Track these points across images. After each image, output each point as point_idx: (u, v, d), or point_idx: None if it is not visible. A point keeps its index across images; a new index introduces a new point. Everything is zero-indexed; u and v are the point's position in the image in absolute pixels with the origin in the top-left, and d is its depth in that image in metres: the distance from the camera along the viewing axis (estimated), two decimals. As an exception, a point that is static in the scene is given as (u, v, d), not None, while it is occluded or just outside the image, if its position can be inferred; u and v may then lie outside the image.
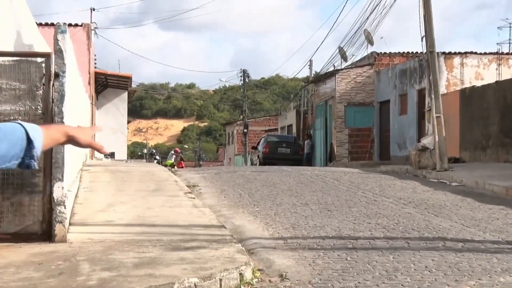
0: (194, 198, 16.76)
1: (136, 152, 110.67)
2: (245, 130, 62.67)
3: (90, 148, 3.29)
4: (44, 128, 2.96)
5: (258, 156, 43.14)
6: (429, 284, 8.54)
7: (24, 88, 10.46)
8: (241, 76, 74.90)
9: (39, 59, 10.92)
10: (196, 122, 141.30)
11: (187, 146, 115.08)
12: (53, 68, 10.51)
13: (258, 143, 46.50)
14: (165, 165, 38.79)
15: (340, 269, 9.39)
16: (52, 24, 26.85)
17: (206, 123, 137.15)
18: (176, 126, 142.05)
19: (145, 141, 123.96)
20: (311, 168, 31.43)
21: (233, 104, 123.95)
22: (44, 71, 10.54)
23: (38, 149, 2.87)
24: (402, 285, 8.52)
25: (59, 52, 10.52)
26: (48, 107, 10.45)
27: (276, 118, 65.24)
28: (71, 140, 3.08)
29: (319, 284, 8.62)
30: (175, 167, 39.65)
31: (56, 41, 10.55)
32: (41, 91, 10.49)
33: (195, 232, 11.60)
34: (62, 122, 10.22)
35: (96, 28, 36.50)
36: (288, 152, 41.68)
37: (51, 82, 10.49)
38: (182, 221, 12.87)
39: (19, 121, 2.86)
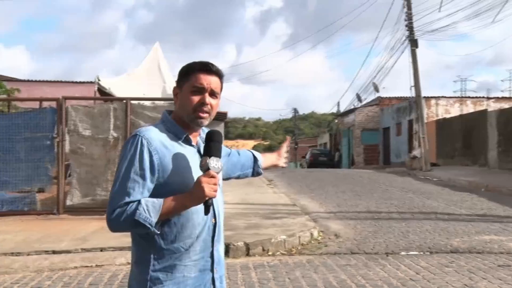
0: (273, 187, 16.97)
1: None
2: (296, 146, 62.57)
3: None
4: (263, 154, 2.89)
5: (306, 162, 43.16)
6: (430, 240, 8.63)
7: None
8: (293, 112, 75.29)
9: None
10: (262, 142, 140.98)
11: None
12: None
13: (306, 154, 46.67)
14: None
15: (372, 231, 9.53)
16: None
17: (268, 142, 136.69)
18: (249, 144, 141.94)
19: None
20: (340, 170, 31.37)
21: (285, 129, 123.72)
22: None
23: (260, 163, 2.82)
24: (413, 240, 8.63)
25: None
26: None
27: (316, 138, 65.04)
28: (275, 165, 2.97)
29: (360, 240, 8.76)
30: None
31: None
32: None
33: (278, 208, 11.76)
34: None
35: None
36: (325, 159, 41.65)
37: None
38: (269, 201, 12.99)
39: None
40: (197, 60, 2.37)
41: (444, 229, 9.56)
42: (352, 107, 42.01)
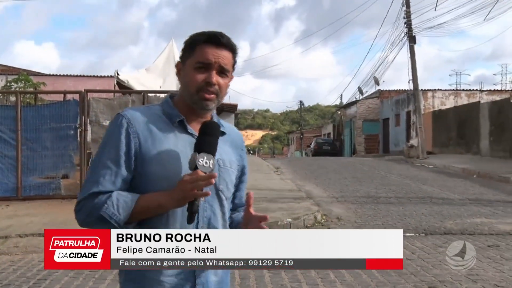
0: (279, 174, 16.96)
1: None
2: (301, 136, 62.40)
3: None
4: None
5: (311, 151, 43.11)
6: (425, 223, 8.64)
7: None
8: (298, 104, 75.22)
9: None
10: (270, 132, 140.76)
11: (266, 146, 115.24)
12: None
13: (311, 143, 46.63)
14: None
15: (372, 214, 9.54)
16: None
17: (275, 132, 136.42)
18: (258, 134, 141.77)
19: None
20: (343, 158, 31.32)
21: (291, 121, 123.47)
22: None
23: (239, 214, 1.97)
24: (409, 223, 8.63)
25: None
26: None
27: (320, 129, 64.88)
28: None
29: (361, 222, 8.79)
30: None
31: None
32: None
33: (284, 193, 11.74)
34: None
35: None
36: (329, 148, 41.49)
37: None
38: (276, 187, 12.96)
39: None
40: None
41: (438, 213, 9.55)
42: (354, 99, 41.86)
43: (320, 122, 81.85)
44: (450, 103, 32.23)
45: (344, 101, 49.92)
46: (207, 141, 1.70)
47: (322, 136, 55.32)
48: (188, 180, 1.64)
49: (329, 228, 8.38)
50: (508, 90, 33.74)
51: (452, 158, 23.17)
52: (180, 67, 1.81)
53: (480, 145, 23.84)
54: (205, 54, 1.75)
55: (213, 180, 1.67)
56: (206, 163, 1.67)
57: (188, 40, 1.80)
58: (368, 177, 15.89)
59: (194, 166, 1.66)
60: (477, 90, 34.14)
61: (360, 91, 39.76)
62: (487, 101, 26.66)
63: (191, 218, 1.69)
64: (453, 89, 36.33)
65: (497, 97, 29.15)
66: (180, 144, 1.76)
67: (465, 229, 8.15)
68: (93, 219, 1.68)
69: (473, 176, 16.17)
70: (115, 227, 1.65)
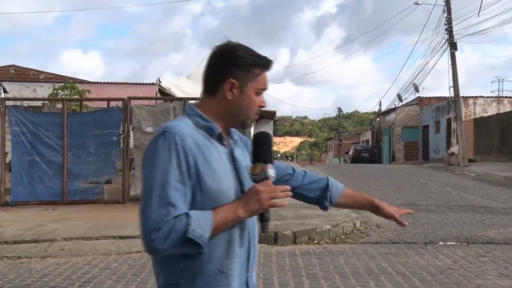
0: (318, 181, 16.86)
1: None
2: (340, 143, 62.00)
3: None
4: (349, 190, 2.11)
5: (349, 158, 42.76)
6: (467, 231, 8.44)
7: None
8: (337, 111, 74.74)
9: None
10: (308, 138, 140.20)
11: (304, 152, 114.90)
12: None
13: (349, 150, 46.26)
14: None
15: (412, 222, 9.32)
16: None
17: (313, 139, 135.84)
18: (296, 141, 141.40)
19: (278, 149, 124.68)
20: (382, 165, 30.95)
21: (329, 127, 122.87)
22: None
23: (334, 195, 2.04)
24: (450, 231, 8.45)
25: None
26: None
27: (358, 136, 64.30)
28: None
29: (400, 230, 8.57)
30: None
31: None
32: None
33: (323, 200, 11.69)
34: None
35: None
36: (367, 155, 41.09)
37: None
38: (314, 194, 12.90)
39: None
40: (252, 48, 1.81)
41: (480, 221, 9.31)
42: (394, 106, 41.35)
43: (359, 129, 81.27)
44: (492, 110, 31.55)
45: (383, 108, 49.37)
46: (266, 151, 1.74)
47: (361, 143, 54.79)
48: (265, 191, 1.66)
49: (368, 235, 8.27)
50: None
51: (494, 166, 22.59)
52: (236, 87, 1.76)
53: (524, 152, 23.18)
54: (266, 82, 1.81)
55: (290, 192, 1.72)
56: (273, 172, 1.71)
57: (245, 60, 1.76)
58: (407, 185, 15.63)
59: (263, 177, 1.69)
60: (520, 96, 33.28)
61: (400, 98, 39.22)
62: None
63: (265, 227, 1.73)
64: (495, 96, 35.60)
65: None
66: (223, 156, 1.75)
67: (509, 238, 7.90)
68: (177, 243, 1.58)
69: (517, 184, 15.70)
70: (200, 248, 1.60)
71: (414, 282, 5.59)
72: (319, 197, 2.03)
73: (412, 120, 39.85)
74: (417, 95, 37.52)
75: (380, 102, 65.13)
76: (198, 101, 1.84)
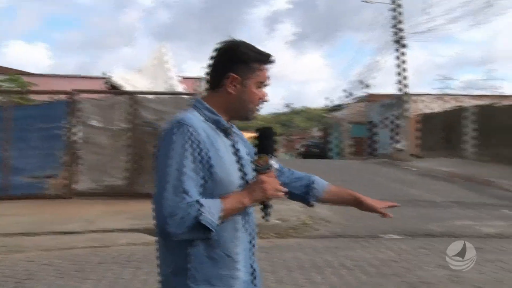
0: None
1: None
2: (289, 138, 62.59)
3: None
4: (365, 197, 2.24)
5: (298, 153, 43.31)
6: (410, 225, 8.59)
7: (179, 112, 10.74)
8: (287, 107, 75.50)
9: (186, 96, 11.25)
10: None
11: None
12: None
13: (299, 146, 46.91)
14: None
15: (358, 216, 9.26)
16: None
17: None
18: (247, 136, 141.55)
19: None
20: (331, 161, 31.43)
21: (280, 123, 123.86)
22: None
23: (317, 191, 2.16)
24: (394, 225, 8.54)
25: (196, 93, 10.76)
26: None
27: (308, 131, 65.12)
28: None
29: (346, 224, 8.75)
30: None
31: (195, 86, 10.81)
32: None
33: (271, 195, 11.73)
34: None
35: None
36: (317, 151, 41.77)
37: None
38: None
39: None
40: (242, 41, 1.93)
41: (423, 215, 9.56)
42: (343, 102, 42.07)
43: (309, 125, 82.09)
44: (437, 108, 32.36)
45: (333, 104, 50.15)
46: (271, 144, 1.89)
47: (310, 139, 55.52)
48: (269, 181, 1.81)
49: (315, 230, 8.37)
50: (493, 95, 33.97)
51: (438, 161, 23.29)
52: (238, 81, 1.88)
53: (466, 149, 23.99)
54: (267, 76, 1.92)
55: (286, 189, 1.91)
56: (275, 164, 1.88)
57: (246, 56, 1.88)
58: (355, 180, 15.90)
59: (266, 168, 1.84)
60: (464, 95, 34.36)
61: (348, 94, 39.97)
62: (473, 106, 26.81)
63: (268, 215, 1.87)
64: (440, 94, 36.57)
65: (483, 102, 29.34)
66: (228, 149, 1.88)
67: (448, 231, 8.16)
68: (190, 228, 1.69)
69: (458, 180, 16.25)
70: (210, 233, 1.71)
71: (357, 274, 5.70)
72: (305, 194, 2.14)
73: (360, 116, 40.56)
74: (366, 91, 38.31)
75: (329, 98, 65.99)
76: (203, 96, 1.94)
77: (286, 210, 9.50)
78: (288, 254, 6.67)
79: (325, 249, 6.98)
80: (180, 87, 13.43)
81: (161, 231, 1.69)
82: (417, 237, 7.80)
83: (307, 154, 40.38)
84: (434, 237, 7.79)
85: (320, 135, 52.52)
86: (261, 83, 1.91)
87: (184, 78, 25.76)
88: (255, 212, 1.91)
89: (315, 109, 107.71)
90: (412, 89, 28.33)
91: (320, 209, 10.16)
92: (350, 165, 22.80)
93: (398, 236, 7.83)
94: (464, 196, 12.39)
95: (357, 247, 7.07)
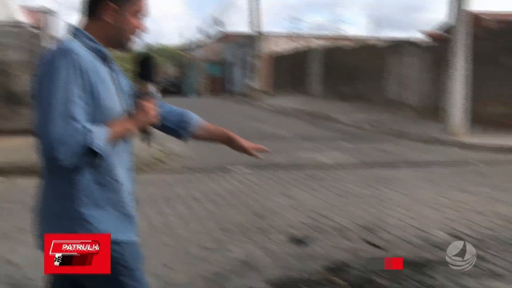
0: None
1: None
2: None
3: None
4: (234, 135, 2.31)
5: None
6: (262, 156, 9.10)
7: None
8: (141, 45, 73.14)
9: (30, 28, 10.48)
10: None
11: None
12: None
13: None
14: None
15: (210, 151, 9.63)
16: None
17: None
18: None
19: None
20: (187, 99, 31.47)
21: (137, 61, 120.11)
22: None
23: (192, 127, 2.22)
24: (243, 158, 8.98)
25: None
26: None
27: (165, 70, 63.95)
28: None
29: (199, 159, 8.99)
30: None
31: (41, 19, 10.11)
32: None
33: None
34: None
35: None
36: (173, 89, 41.54)
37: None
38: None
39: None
40: None
41: (271, 148, 9.94)
42: (198, 41, 41.83)
43: (165, 63, 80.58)
44: (288, 48, 33.49)
45: (190, 43, 49.68)
46: (150, 72, 1.91)
47: (167, 78, 54.85)
48: (151, 107, 1.85)
49: (167, 165, 8.47)
50: (338, 37, 35.86)
51: (287, 99, 24.39)
52: (115, 10, 1.86)
53: (312, 87, 25.38)
54: (144, 6, 1.91)
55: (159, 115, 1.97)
56: (155, 92, 1.90)
57: None
58: (210, 117, 15.83)
59: (146, 94, 1.87)
60: (313, 37, 35.85)
61: (203, 32, 39.80)
62: (319, 47, 28.20)
63: (150, 140, 1.94)
64: (291, 34, 37.77)
65: (329, 43, 30.92)
66: (108, 76, 1.86)
67: (293, 162, 8.74)
68: (79, 154, 1.67)
69: (304, 116, 17.25)
70: (100, 158, 1.72)
71: (207, 205, 5.94)
72: (179, 129, 2.17)
73: (216, 55, 40.77)
74: (220, 30, 38.42)
75: (184, 36, 65.04)
76: (80, 24, 1.89)
77: (139, 146, 9.44)
78: (138, 188, 6.68)
79: (177, 182, 7.13)
80: (23, 18, 12.47)
81: (50, 159, 1.66)
82: (265, 169, 8.25)
83: (164, 92, 40.02)
84: (280, 168, 8.30)
85: (177, 73, 51.99)
86: (137, 12, 1.90)
87: (29, 9, 23.71)
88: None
89: (171, 48, 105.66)
90: (265, 29, 28.92)
91: (172, 144, 10.23)
92: (205, 103, 23.08)
93: (247, 169, 8.22)
94: (308, 130, 13.25)
95: (207, 180, 7.32)
